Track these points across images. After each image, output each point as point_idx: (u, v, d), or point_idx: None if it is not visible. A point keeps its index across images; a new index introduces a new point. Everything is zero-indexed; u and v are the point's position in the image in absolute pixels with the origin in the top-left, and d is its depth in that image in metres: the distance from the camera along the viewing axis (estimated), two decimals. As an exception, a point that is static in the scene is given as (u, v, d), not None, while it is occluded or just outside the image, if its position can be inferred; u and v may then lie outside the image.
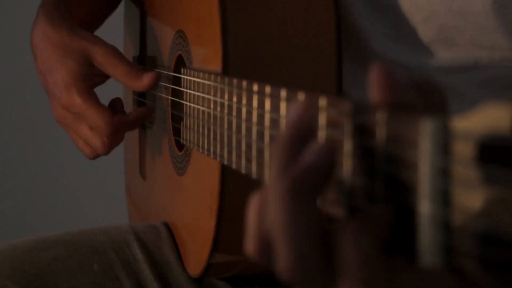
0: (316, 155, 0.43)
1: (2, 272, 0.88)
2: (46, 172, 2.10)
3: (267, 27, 0.76)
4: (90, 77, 0.94)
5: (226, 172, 0.76)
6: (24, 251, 0.90)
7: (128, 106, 1.09)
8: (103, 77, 0.96)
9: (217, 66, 0.75)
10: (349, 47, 0.82)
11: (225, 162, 0.69)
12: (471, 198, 0.36)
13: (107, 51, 0.93)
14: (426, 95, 0.43)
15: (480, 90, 0.79)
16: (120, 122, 0.93)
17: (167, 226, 0.96)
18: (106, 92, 0.98)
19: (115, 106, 0.97)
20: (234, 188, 0.77)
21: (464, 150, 0.36)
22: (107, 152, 0.95)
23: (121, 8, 1.16)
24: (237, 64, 0.75)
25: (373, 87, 0.42)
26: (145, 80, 0.92)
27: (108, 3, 1.09)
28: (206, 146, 0.75)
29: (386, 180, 0.42)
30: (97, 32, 1.08)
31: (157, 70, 0.99)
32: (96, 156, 0.97)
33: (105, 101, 0.96)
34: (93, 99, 0.92)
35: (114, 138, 0.94)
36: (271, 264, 0.44)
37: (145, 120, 0.99)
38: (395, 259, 0.42)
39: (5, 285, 0.87)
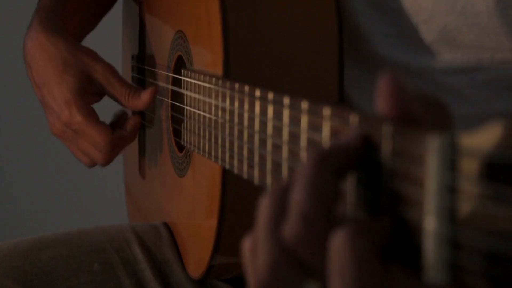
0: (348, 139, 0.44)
1: (2, 271, 0.87)
2: (46, 172, 2.10)
3: (268, 29, 0.76)
4: (88, 95, 0.93)
5: (227, 174, 0.75)
6: (24, 250, 0.90)
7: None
8: (99, 96, 0.95)
9: (218, 68, 0.75)
10: (350, 48, 0.82)
11: (227, 166, 0.68)
12: (478, 216, 0.36)
13: (106, 70, 0.93)
14: (432, 109, 0.42)
15: (482, 91, 0.79)
16: (119, 138, 0.94)
17: (167, 226, 0.95)
18: (104, 101, 0.97)
19: (120, 119, 0.97)
20: (235, 190, 0.76)
21: (471, 168, 0.36)
22: (106, 164, 0.96)
23: (119, 7, 1.15)
24: (238, 66, 0.74)
25: (381, 96, 0.42)
26: (144, 97, 0.92)
27: (102, 6, 1.08)
28: (207, 149, 0.74)
29: (391, 194, 0.42)
30: (95, 30, 1.07)
31: (156, 70, 0.99)
32: (94, 166, 0.97)
33: (102, 107, 0.96)
34: (93, 116, 0.92)
35: (114, 153, 0.94)
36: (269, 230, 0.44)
37: (138, 127, 0.99)
38: (394, 269, 0.42)
39: (5, 284, 0.87)
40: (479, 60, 0.78)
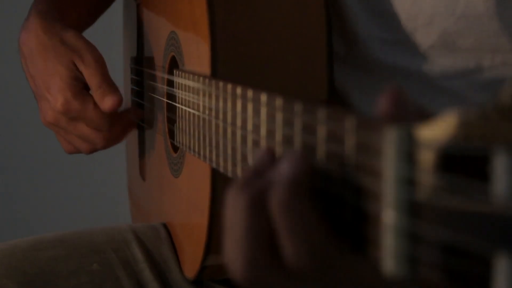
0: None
1: (1, 272, 0.88)
2: (46, 172, 2.10)
3: (256, 28, 0.76)
4: (82, 80, 0.94)
5: (217, 174, 0.76)
6: (23, 250, 0.91)
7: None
8: None
9: (206, 68, 0.75)
10: (349, 53, 0.82)
11: (214, 166, 0.68)
12: (434, 208, 0.36)
13: (88, 59, 0.93)
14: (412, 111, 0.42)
15: (483, 93, 0.78)
16: (119, 115, 0.95)
17: (166, 226, 0.96)
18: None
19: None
20: (225, 189, 0.76)
21: (427, 159, 0.36)
22: (106, 146, 0.96)
23: (120, 8, 1.16)
24: (226, 66, 0.75)
25: (381, 112, 0.42)
26: (107, 103, 0.92)
27: (99, 3, 1.09)
28: (197, 149, 0.75)
29: (354, 188, 0.42)
30: (97, 33, 1.08)
31: (152, 71, 0.99)
32: (94, 151, 0.97)
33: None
34: (90, 100, 0.93)
35: (112, 132, 0.95)
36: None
37: (138, 118, 1.00)
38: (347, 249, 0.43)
39: (5, 284, 0.87)
40: (479, 62, 0.77)
